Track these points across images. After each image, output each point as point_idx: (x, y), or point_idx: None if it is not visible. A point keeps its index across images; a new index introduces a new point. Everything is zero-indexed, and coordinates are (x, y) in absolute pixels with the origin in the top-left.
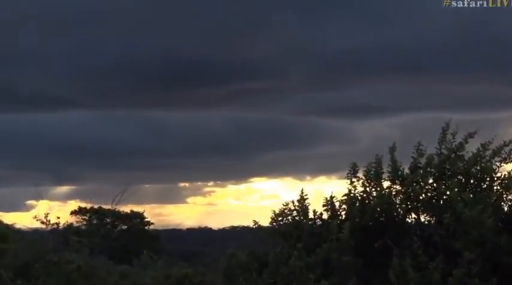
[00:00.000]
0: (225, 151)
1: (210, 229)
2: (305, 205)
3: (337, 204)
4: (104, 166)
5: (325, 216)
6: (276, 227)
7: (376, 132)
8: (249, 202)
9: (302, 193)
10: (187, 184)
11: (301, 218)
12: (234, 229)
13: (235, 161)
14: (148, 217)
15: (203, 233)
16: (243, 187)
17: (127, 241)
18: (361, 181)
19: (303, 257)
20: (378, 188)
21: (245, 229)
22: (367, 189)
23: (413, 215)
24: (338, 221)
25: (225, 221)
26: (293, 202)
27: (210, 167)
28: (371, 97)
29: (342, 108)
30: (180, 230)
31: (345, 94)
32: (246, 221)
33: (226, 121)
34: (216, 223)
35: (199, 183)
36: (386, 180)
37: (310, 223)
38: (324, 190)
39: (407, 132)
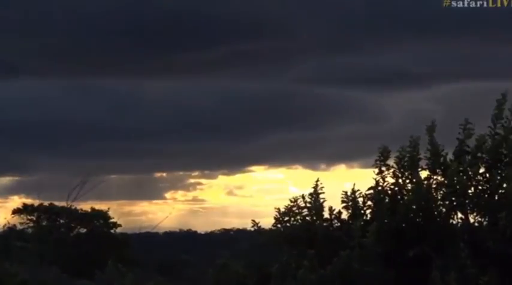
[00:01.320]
0: (215, 131)
1: (195, 232)
2: (319, 202)
3: (360, 200)
4: (57, 152)
5: (344, 215)
6: (281, 229)
7: (411, 106)
8: (246, 197)
9: (315, 185)
10: (165, 174)
11: (314, 218)
12: (226, 233)
13: (228, 144)
14: (115, 217)
15: (186, 238)
16: (238, 178)
17: (87, 248)
18: (391, 170)
19: (316, 268)
20: (414, 180)
21: (241, 233)
22: (400, 181)
23: (460, 215)
24: (361, 223)
25: (215, 222)
26: (303, 198)
27: (195, 152)
28: (404, 62)
29: (367, 76)
30: (156, 234)
31: (371, 60)
32: (241, 222)
33: (216, 93)
34: (203, 224)
35: (180, 173)
36: (425, 169)
37: (325, 224)
38: (343, 182)
39: (451, 106)
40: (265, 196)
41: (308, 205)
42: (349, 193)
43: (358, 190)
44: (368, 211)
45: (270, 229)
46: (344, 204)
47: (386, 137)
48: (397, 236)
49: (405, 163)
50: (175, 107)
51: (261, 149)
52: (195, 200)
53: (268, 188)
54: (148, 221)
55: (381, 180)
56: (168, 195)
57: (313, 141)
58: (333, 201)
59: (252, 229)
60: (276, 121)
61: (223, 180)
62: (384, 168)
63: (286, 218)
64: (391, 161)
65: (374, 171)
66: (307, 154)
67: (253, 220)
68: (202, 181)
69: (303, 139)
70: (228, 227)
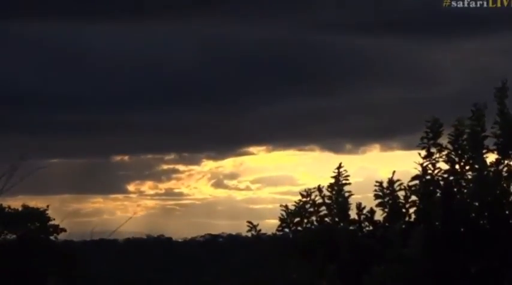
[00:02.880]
0: (197, 96)
1: (170, 239)
2: (343, 196)
3: (401, 195)
4: None
5: (379, 216)
6: (290, 235)
7: (472, 60)
8: (241, 190)
9: (338, 173)
10: (126, 158)
11: (336, 219)
12: (212, 240)
13: (215, 115)
14: (56, 219)
15: (156, 248)
16: (229, 163)
17: (16, 262)
18: (444, 152)
19: None
20: (477, 166)
21: (233, 240)
22: (457, 167)
23: None
24: (403, 226)
25: (197, 225)
26: (320, 191)
27: (169, 127)
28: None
29: (407, 18)
30: (115, 242)
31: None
32: (234, 225)
33: (196, 41)
34: (181, 228)
35: (149, 156)
36: (492, 151)
37: (351, 228)
38: (377, 170)
39: None
40: (267, 189)
41: (327, 200)
42: (385, 185)
43: (398, 181)
44: (412, 210)
45: (274, 235)
46: (378, 200)
47: (439, 104)
48: (453, 244)
49: (464, 143)
50: (138, 61)
51: (261, 122)
52: (169, 194)
53: (271, 177)
54: (103, 223)
55: (430, 166)
56: (131, 187)
57: (335, 111)
58: (362, 196)
59: (249, 235)
60: (284, 83)
61: (208, 166)
62: (434, 149)
63: (297, 220)
64: (444, 140)
65: (420, 154)
66: (326, 129)
67: (250, 222)
68: (180, 167)
69: (321, 108)
70: (215, 231)
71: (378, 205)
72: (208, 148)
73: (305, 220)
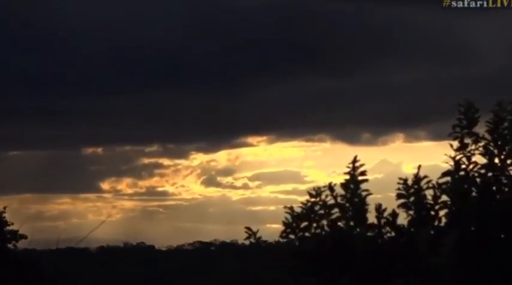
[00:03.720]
0: (184, 76)
1: (152, 247)
2: (359, 196)
3: (428, 194)
4: None
5: (402, 219)
6: (296, 243)
7: None
8: (237, 189)
9: (353, 168)
10: (100, 150)
11: (351, 223)
12: (203, 249)
13: (206, 98)
14: (15, 223)
15: (136, 258)
16: (222, 156)
17: None
18: (481, 143)
19: None
20: None
21: (227, 249)
22: (496, 161)
23: None
24: (431, 232)
25: (185, 231)
26: (332, 190)
27: (151, 114)
28: None
29: None
30: (85, 251)
31: None
32: (228, 230)
33: (183, 8)
34: (165, 235)
35: (127, 148)
36: None
37: (369, 234)
38: (400, 163)
39: None
40: (269, 187)
41: (341, 201)
42: (410, 182)
43: (426, 177)
44: (442, 213)
45: (277, 242)
46: (402, 200)
47: (474, 86)
48: (491, 253)
49: (505, 132)
50: (112, 33)
51: (262, 107)
52: (151, 193)
53: (273, 174)
54: (71, 229)
55: (463, 160)
56: (105, 185)
57: (351, 94)
58: (382, 195)
59: (247, 243)
60: (289, 60)
61: (198, 160)
62: (468, 140)
63: (304, 224)
64: (480, 129)
65: (452, 145)
66: (339, 116)
67: (248, 228)
68: (164, 161)
69: (334, 90)
70: (206, 239)
71: (401, 206)
72: (198, 138)
73: (314, 225)
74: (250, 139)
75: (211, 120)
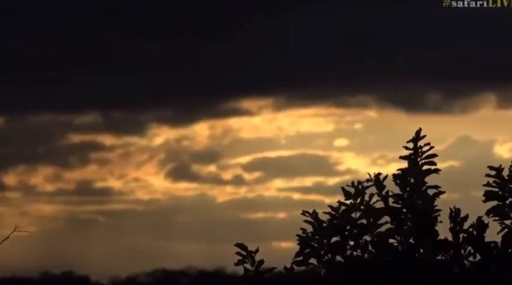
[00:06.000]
0: (148, 18)
1: (86, 279)
2: (424, 195)
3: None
4: None
5: (492, 235)
6: (322, 272)
7: None
8: (223, 183)
9: (416, 149)
10: (2, 120)
11: (411, 240)
12: (167, 280)
13: (176, 39)
14: None
15: None
16: (201, 131)
17: None
18: None
19: None
20: None
21: (207, 280)
22: None
23: None
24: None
25: (138, 252)
26: (380, 185)
27: (80, 59)
28: None
29: None
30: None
31: None
32: (209, 251)
33: None
34: (107, 258)
35: (45, 117)
36: None
37: (441, 257)
38: (490, 143)
39: None
40: (275, 182)
41: (394, 204)
42: (506, 174)
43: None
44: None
45: (290, 270)
46: (493, 203)
47: None
48: None
49: None
50: None
51: (263, 53)
52: (84, 191)
53: (282, 160)
54: None
55: None
56: (10, 178)
57: (406, 29)
58: (461, 194)
59: (240, 271)
60: None
61: (162, 137)
62: None
63: (335, 240)
64: None
65: None
66: (389, 66)
67: (242, 246)
68: (106, 139)
69: (379, 25)
70: (174, 266)
71: (491, 213)
72: (161, 101)
73: (351, 242)
74: (245, 104)
75: (183, 74)
